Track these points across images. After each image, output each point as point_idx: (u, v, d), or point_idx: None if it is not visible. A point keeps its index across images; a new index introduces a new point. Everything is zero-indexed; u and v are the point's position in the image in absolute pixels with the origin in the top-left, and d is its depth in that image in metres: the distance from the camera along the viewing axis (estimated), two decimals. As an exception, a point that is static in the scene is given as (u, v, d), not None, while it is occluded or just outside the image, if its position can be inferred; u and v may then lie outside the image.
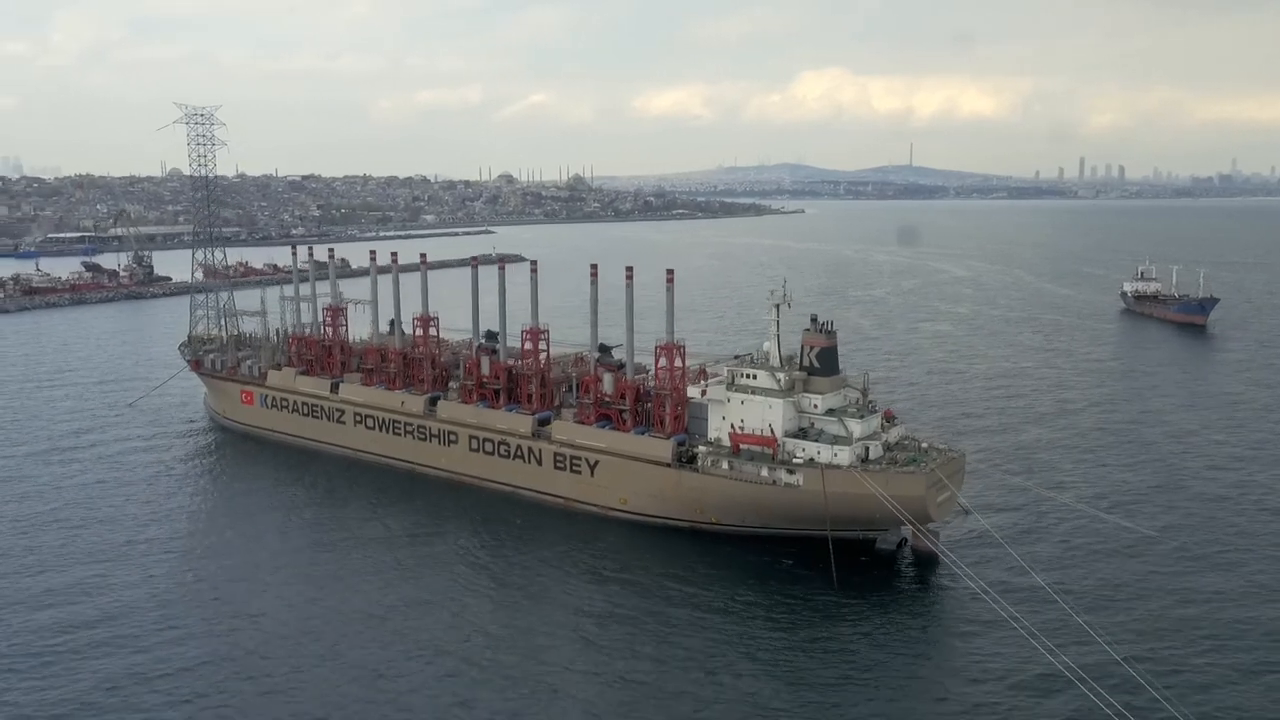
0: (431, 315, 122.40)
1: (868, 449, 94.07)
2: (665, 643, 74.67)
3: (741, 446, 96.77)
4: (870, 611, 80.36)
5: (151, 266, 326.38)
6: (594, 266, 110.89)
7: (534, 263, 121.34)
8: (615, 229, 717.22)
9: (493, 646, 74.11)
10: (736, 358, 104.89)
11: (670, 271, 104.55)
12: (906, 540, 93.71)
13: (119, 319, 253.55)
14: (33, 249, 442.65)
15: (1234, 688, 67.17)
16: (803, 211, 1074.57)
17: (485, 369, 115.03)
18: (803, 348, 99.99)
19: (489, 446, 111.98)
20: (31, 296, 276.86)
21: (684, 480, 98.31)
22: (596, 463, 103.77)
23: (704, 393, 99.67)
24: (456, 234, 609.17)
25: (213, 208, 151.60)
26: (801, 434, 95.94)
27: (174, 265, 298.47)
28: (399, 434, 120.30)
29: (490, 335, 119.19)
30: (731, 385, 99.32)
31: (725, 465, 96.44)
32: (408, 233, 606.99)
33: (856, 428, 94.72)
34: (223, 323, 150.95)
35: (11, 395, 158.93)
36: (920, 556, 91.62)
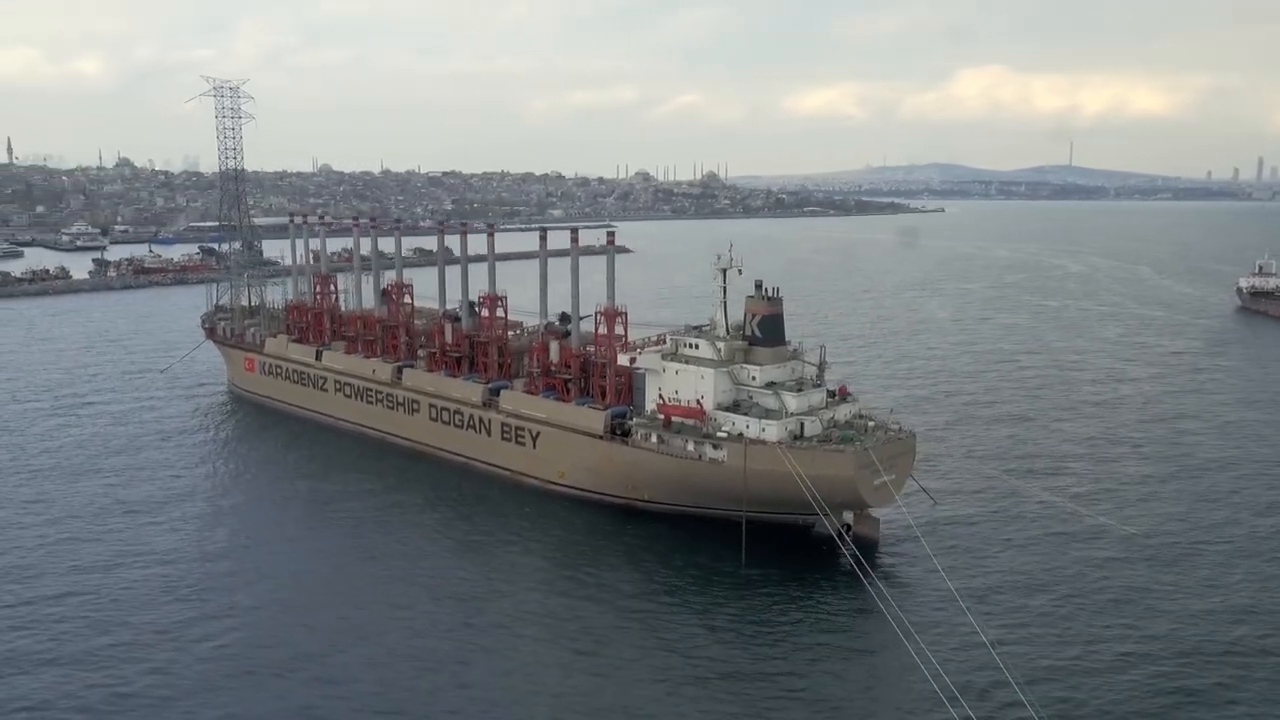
0: (406, 283, 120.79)
1: (803, 425, 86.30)
2: (535, 631, 69.37)
3: (672, 419, 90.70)
4: (761, 605, 73.25)
5: (260, 251, 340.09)
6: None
7: (491, 228, 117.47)
8: (738, 225, 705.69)
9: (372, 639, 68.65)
10: (689, 328, 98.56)
11: (611, 233, 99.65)
12: (849, 526, 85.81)
13: (205, 296, 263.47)
14: (170, 236, 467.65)
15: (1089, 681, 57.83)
16: (942, 210, 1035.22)
17: (449, 337, 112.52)
18: (746, 315, 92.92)
19: (445, 416, 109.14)
20: (138, 276, 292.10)
21: (614, 454, 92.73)
22: (538, 434, 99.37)
23: (633, 361, 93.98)
24: (576, 228, 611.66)
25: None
26: (735, 407, 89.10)
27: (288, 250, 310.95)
28: (371, 402, 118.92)
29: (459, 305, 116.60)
30: (674, 355, 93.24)
31: (655, 439, 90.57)
32: (529, 226, 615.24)
33: (792, 402, 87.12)
34: (245, 291, 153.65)
35: (73, 355, 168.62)
36: (863, 544, 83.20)
